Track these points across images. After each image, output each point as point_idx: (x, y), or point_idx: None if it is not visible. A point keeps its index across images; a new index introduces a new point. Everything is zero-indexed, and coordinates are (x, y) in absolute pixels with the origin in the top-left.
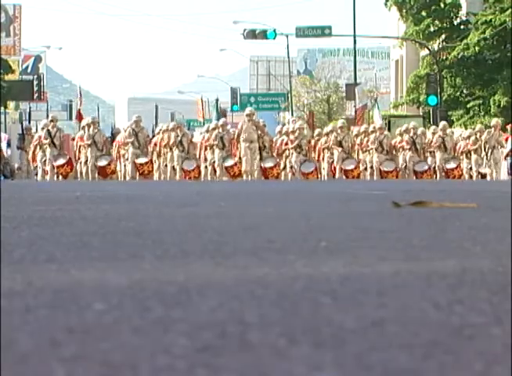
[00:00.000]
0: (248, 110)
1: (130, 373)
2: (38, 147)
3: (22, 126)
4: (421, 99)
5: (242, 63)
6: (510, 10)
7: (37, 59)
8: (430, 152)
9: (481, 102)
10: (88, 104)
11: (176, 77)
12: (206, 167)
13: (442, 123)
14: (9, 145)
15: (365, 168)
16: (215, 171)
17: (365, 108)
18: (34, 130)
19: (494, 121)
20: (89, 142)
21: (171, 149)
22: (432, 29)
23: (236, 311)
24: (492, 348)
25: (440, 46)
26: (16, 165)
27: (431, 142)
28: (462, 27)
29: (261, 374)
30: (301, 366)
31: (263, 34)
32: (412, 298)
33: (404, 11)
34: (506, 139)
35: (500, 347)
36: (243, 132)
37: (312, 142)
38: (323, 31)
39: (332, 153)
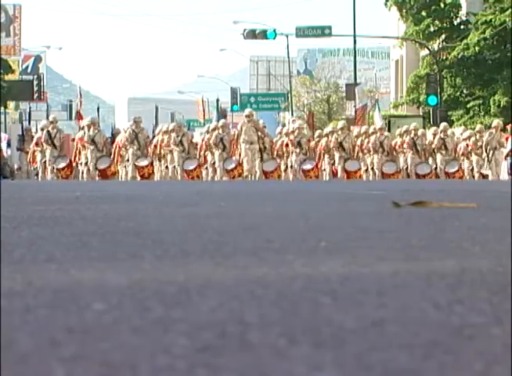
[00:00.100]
0: (247, 110)
1: (130, 373)
2: (38, 148)
3: (22, 127)
4: (421, 99)
5: (242, 63)
6: (510, 10)
7: (37, 59)
8: (431, 154)
9: (481, 102)
10: (88, 104)
11: (176, 77)
12: (206, 168)
13: (443, 124)
14: (9, 145)
15: (366, 170)
16: (215, 172)
17: (366, 108)
18: (34, 130)
19: (495, 121)
20: (89, 143)
21: (171, 150)
22: (432, 29)
23: (236, 311)
24: (492, 348)
25: (440, 46)
26: (16, 166)
27: (432, 143)
28: (462, 27)
29: (261, 374)
30: (301, 366)
31: (263, 34)
32: (412, 298)
33: (404, 11)
34: (507, 139)
35: (500, 347)
36: (243, 134)
37: (312, 143)
38: (323, 31)
39: (333, 155)
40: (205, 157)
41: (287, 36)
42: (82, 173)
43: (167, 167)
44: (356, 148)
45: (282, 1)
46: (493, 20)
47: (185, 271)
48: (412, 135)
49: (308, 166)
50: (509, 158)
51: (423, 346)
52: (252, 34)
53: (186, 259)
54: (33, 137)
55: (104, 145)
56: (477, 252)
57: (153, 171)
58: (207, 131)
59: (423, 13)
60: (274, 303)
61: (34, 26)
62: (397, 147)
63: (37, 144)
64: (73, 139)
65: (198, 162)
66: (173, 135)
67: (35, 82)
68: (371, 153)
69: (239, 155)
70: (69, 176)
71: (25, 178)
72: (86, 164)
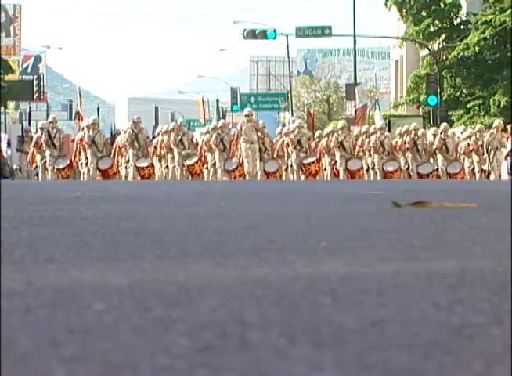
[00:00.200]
0: (247, 110)
1: (130, 373)
2: (38, 149)
3: (22, 128)
4: (421, 99)
5: (242, 63)
6: (510, 10)
7: (37, 59)
8: (432, 154)
9: (481, 102)
10: (88, 104)
11: (176, 77)
12: (207, 168)
13: (443, 125)
14: (9, 145)
15: (368, 170)
16: (216, 172)
17: (366, 108)
18: (33, 130)
19: (496, 122)
20: (89, 144)
21: (171, 149)
22: (432, 29)
23: (236, 311)
24: (492, 348)
25: (440, 46)
26: (15, 166)
27: (432, 144)
28: (462, 27)
29: (261, 374)
30: (301, 366)
31: (263, 34)
32: (412, 298)
33: (404, 11)
34: (507, 139)
35: (500, 347)
36: (243, 133)
37: (313, 144)
38: (323, 31)
39: (333, 155)
40: (205, 158)
41: (287, 36)
42: (83, 174)
43: (167, 167)
44: (357, 148)
45: (282, 1)
46: (493, 20)
47: (185, 271)
48: (412, 136)
49: (308, 160)
50: (509, 158)
51: (423, 346)
52: (252, 34)
53: (186, 259)
54: (32, 138)
55: (104, 145)
56: (478, 252)
57: (153, 171)
58: (207, 132)
59: (423, 13)
60: (274, 303)
61: (34, 26)
62: (397, 147)
63: (36, 144)
64: (73, 140)
65: (198, 157)
66: (173, 134)
67: (35, 82)
68: (372, 153)
69: (240, 155)
70: (69, 176)
71: (25, 179)
72: (87, 164)
